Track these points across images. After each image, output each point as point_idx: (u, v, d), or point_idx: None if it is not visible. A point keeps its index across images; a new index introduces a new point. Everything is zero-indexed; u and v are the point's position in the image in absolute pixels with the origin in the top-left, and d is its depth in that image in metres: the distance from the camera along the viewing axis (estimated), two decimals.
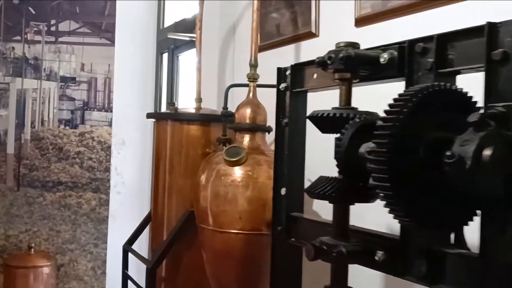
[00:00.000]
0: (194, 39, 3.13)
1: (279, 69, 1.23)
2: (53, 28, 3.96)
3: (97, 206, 3.95)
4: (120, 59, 4.11)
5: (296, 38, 2.09)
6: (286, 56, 2.14)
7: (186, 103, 3.53)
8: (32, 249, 3.49)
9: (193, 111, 2.17)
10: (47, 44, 3.96)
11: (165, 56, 3.87)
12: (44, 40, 3.97)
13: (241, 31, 2.65)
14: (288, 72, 1.20)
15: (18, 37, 3.96)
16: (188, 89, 3.81)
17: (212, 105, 2.47)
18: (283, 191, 1.20)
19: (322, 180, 0.91)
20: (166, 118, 2.08)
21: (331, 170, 0.94)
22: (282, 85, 1.21)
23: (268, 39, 2.23)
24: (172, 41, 3.57)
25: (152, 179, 4.19)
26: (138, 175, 4.14)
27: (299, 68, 1.18)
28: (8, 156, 3.99)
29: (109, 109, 3.95)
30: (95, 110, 4.01)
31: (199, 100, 2.20)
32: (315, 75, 1.13)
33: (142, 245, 2.87)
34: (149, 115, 2.28)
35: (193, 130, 2.05)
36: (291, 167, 1.19)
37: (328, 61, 0.90)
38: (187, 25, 3.38)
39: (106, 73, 3.99)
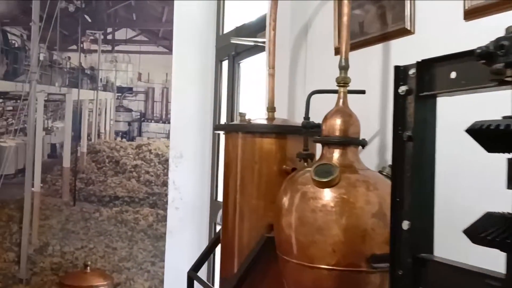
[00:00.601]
0: (260, 44, 2.86)
1: (397, 68, 0.94)
2: (109, 37, 3.82)
3: (154, 222, 3.75)
4: (178, 68, 3.91)
5: (385, 37, 1.79)
6: (372, 57, 1.84)
7: (249, 113, 3.25)
8: (88, 267, 3.33)
9: (265, 121, 1.90)
10: (104, 53, 3.82)
11: (225, 63, 3.63)
12: (101, 49, 3.83)
13: (315, 32, 2.36)
14: (412, 72, 0.90)
15: (74, 46, 3.85)
16: (250, 98, 3.54)
17: (282, 114, 2.19)
18: (405, 225, 0.91)
19: (494, 219, 0.61)
20: (236, 130, 1.81)
21: (486, 201, 0.64)
22: (403, 89, 0.92)
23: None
24: (233, 47, 3.33)
25: (210, 194, 3.94)
26: (197, 189, 3.91)
27: (428, 66, 0.88)
28: (64, 169, 3.88)
29: (166, 121, 3.76)
30: (153, 121, 3.83)
31: (271, 109, 1.93)
32: (453, 74, 0.83)
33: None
34: (217, 127, 2.03)
35: (267, 143, 1.78)
36: (417, 194, 0.90)
37: (499, 52, 0.60)
38: (250, 29, 3.13)
39: (164, 83, 3.80)
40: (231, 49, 3.42)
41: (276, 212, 1.49)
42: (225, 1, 3.72)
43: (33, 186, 3.86)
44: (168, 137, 3.74)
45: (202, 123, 3.94)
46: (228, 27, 3.70)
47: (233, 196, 1.87)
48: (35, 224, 3.78)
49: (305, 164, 1.64)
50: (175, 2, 3.76)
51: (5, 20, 4.05)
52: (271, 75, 2.01)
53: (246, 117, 1.80)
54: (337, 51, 2.09)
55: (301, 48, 2.52)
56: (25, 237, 3.67)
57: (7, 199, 3.88)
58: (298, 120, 1.92)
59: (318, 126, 1.55)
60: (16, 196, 3.92)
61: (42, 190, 3.87)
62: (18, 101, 3.98)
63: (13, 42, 4.14)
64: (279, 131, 1.74)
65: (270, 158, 1.80)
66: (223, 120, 3.64)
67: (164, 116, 3.82)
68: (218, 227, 3.44)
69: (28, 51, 3.94)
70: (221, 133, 2.00)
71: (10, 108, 4.25)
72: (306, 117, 1.64)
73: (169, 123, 3.73)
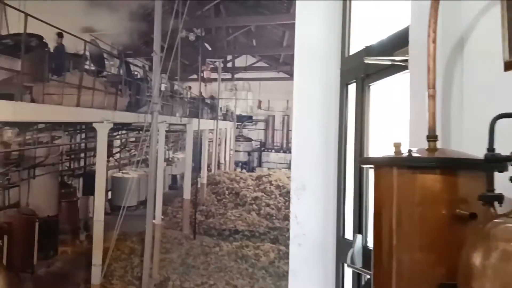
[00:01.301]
0: (398, 63, 2.46)
1: None
2: (229, 64, 3.66)
3: (276, 259, 3.44)
4: (300, 94, 3.58)
5: None
6: None
7: (382, 145, 2.83)
8: None
9: (425, 153, 1.51)
10: (224, 82, 3.69)
11: (351, 87, 3.26)
12: (221, 77, 3.67)
13: (474, 45, 1.91)
14: None
15: (194, 76, 3.77)
16: (382, 127, 3.11)
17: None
18: None
19: None
20: (391, 165, 1.44)
21: None
22: None
23: None
24: (361, 69, 2.96)
25: (337, 230, 3.56)
26: (321, 225, 3.52)
27: None
28: (185, 201, 3.76)
29: (287, 150, 3.50)
30: (273, 151, 3.58)
31: (433, 138, 1.53)
32: None
33: None
34: (365, 161, 1.70)
35: (432, 180, 1.40)
36: None
37: None
38: (384, 47, 2.73)
39: (285, 110, 3.56)
40: (359, 71, 3.06)
41: (463, 272, 1.10)
42: (351, 21, 3.37)
43: (154, 218, 3.78)
44: (289, 167, 3.45)
45: (326, 152, 3.58)
46: (354, 48, 3.33)
47: (387, 246, 1.49)
48: (156, 257, 3.66)
49: (491, 209, 1.22)
50: (296, 25, 3.47)
51: (128, 52, 4.09)
52: (432, 97, 1.63)
53: (410, 149, 1.42)
54: (510, 66, 1.65)
55: (456, 65, 2.08)
56: (146, 271, 3.56)
57: (129, 231, 3.83)
58: (459, 149, 1.50)
59: (509, 159, 1.14)
60: (138, 228, 3.87)
61: (163, 223, 3.79)
62: (141, 132, 3.90)
63: (136, 73, 4.17)
64: (450, 165, 1.35)
65: (437, 199, 1.40)
66: (350, 149, 3.27)
67: (285, 145, 3.56)
68: (348, 269, 3.02)
69: (150, 81, 3.91)
70: (368, 167, 1.63)
71: (133, 139, 4.27)
72: (491, 147, 1.23)
73: (290, 152, 3.44)
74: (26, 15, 4.46)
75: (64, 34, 4.79)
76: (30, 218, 4.84)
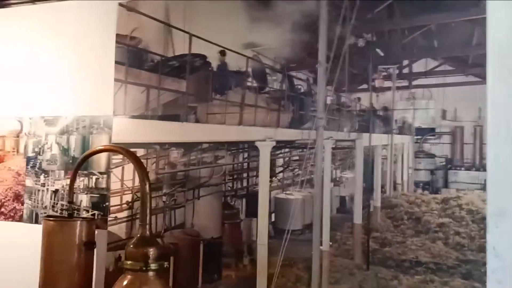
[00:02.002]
0: None
1: None
2: (405, 70, 3.25)
3: None
4: (495, 99, 3.04)
5: None
6: None
7: None
8: None
9: None
10: (399, 90, 3.27)
11: None
12: (395, 85, 3.28)
13: None
14: None
15: (364, 86, 3.48)
16: None
17: None
18: None
19: None
20: None
21: None
22: None
23: None
24: None
25: None
26: None
27: None
28: (356, 226, 3.41)
29: (481, 167, 2.96)
30: (462, 169, 3.07)
31: None
32: None
33: None
34: None
35: None
36: None
37: None
38: None
39: (476, 120, 3.03)
40: None
41: None
42: None
43: (321, 244, 3.69)
44: (484, 188, 2.92)
45: None
46: None
47: None
48: (324, 287, 3.34)
49: None
50: (487, 19, 2.96)
51: (291, 65, 3.88)
52: None
53: None
54: None
55: None
56: None
57: (295, 257, 3.58)
58: None
59: None
60: (303, 254, 3.61)
61: (331, 249, 3.68)
62: (304, 150, 3.85)
63: (299, 87, 3.94)
64: None
65: None
66: None
67: (477, 162, 3.03)
68: None
69: (314, 95, 3.67)
70: None
71: (296, 157, 4.05)
72: None
73: (484, 170, 2.91)
74: (191, 35, 4.52)
75: (227, 51, 4.84)
76: (195, 240, 4.90)
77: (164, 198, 5.22)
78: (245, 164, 4.77)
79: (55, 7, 4.35)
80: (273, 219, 4.36)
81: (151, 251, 2.71)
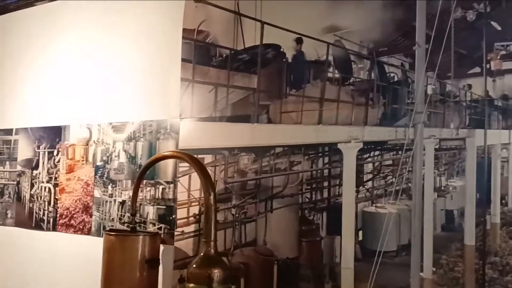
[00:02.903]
0: None
1: None
2: None
3: None
4: None
5: None
6: None
7: None
8: None
9: None
10: None
11: None
12: None
13: None
14: None
15: (476, 69, 3.09)
16: None
17: None
18: None
19: None
20: None
21: None
22: None
23: None
24: None
25: None
26: None
27: None
28: (467, 248, 3.07)
29: None
30: None
31: None
32: None
33: None
34: None
35: None
36: None
37: None
38: None
39: None
40: None
41: None
42: None
43: (421, 270, 3.20)
44: None
45: None
46: None
47: None
48: None
49: None
50: None
51: (381, 49, 3.47)
52: None
53: None
54: None
55: None
56: None
57: (388, 285, 3.15)
58: None
59: None
60: (399, 281, 3.42)
61: (435, 277, 3.24)
62: (399, 152, 3.54)
63: (392, 75, 3.54)
64: None
65: None
66: None
67: None
68: None
69: (412, 84, 3.27)
70: None
71: (389, 162, 3.67)
72: None
73: None
74: (262, 23, 4.22)
75: (304, 38, 4.47)
76: (268, 260, 4.56)
77: (233, 211, 4.98)
78: (326, 171, 4.43)
79: (116, 5, 4.30)
80: (360, 238, 4.05)
81: (216, 273, 2.50)
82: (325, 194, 4.41)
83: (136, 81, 3.89)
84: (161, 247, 3.13)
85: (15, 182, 4.14)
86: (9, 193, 4.24)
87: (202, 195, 3.69)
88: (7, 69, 4.32)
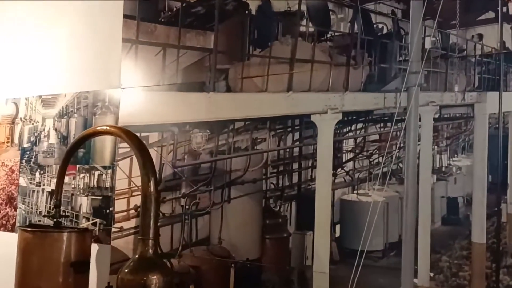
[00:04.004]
0: None
1: None
2: None
3: None
4: None
5: None
6: None
7: None
8: None
9: None
10: None
11: None
12: None
13: None
14: None
15: (488, 14, 2.83)
16: None
17: None
18: None
19: None
20: None
21: None
22: None
23: None
24: None
25: None
26: None
27: None
28: (475, 248, 2.81)
29: None
30: None
31: None
32: None
33: None
34: None
35: None
36: None
37: None
38: None
39: None
40: None
41: None
42: None
43: (415, 276, 2.96)
44: None
45: None
46: None
47: None
48: None
49: None
50: None
51: None
52: None
53: None
54: None
55: None
56: None
57: None
58: None
59: None
60: None
61: (432, 284, 2.92)
62: (388, 124, 3.17)
63: (380, 26, 3.28)
64: None
65: None
66: None
67: None
68: None
69: (405, 37, 3.15)
70: None
71: (375, 137, 3.45)
72: None
73: None
74: None
75: None
76: (223, 262, 4.24)
77: (182, 201, 4.54)
78: (296, 150, 4.08)
79: None
80: (337, 234, 3.67)
81: (154, 279, 2.38)
82: (295, 179, 3.99)
83: (69, 44, 3.78)
84: (95, 246, 3.06)
85: None
86: None
87: None
88: None
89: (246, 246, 4.31)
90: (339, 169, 3.50)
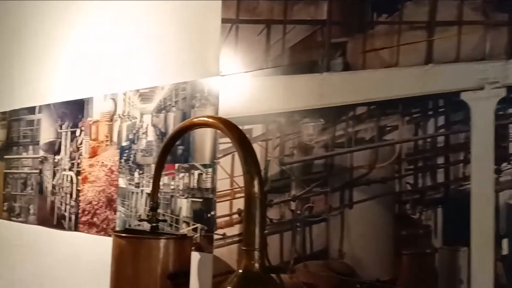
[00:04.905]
0: None
1: None
2: None
3: None
4: None
5: None
6: None
7: None
8: None
9: None
10: None
11: None
12: None
13: None
14: None
15: None
16: None
17: None
18: None
19: None
20: None
21: None
22: None
23: None
24: None
25: None
26: None
27: None
28: None
29: None
30: None
31: None
32: None
33: None
34: None
35: None
36: None
37: None
38: None
39: None
40: None
41: None
42: None
43: None
44: None
45: None
46: None
47: None
48: None
49: None
50: None
51: None
52: None
53: None
54: None
55: None
56: None
57: None
58: None
59: None
60: None
61: None
62: None
63: None
64: None
65: None
66: None
67: None
68: None
69: None
70: None
71: None
72: None
73: None
74: None
75: None
76: (346, 282, 3.49)
77: (292, 205, 4.03)
78: (441, 140, 3.40)
79: None
80: (505, 251, 2.87)
81: None
82: (440, 178, 3.29)
83: (164, 31, 3.62)
84: (195, 255, 2.80)
85: (38, 171, 4.03)
86: (32, 184, 4.13)
87: None
88: (27, 44, 4.29)
89: (375, 263, 3.64)
90: (505, 164, 2.80)
